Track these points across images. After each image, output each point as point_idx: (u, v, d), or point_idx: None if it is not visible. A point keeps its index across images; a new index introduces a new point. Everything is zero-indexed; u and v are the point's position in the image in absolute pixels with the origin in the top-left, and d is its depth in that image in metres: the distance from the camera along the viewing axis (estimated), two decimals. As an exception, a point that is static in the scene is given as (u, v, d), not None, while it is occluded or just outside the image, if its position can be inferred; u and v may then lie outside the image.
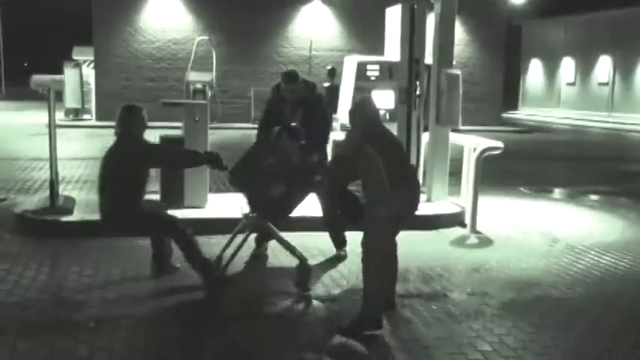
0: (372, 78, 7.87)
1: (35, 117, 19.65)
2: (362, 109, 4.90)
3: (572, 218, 8.52)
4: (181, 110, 7.59)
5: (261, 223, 5.50)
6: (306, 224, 6.67)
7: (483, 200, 7.59)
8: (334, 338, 4.38)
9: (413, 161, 7.77)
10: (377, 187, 4.55)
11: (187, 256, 5.33)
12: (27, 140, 15.73)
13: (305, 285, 5.30)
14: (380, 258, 4.51)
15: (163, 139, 7.32)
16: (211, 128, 7.79)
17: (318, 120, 5.91)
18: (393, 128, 7.86)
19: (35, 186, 9.59)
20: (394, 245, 4.84)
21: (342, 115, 7.99)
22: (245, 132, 18.84)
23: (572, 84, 34.87)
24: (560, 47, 35.22)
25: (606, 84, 32.44)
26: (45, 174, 9.54)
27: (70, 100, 20.57)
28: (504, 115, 29.01)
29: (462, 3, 8.49)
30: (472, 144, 7.63)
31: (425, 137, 8.20)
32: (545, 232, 7.57)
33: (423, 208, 7.80)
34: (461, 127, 8.19)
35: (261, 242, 6.13)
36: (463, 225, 7.50)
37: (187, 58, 19.97)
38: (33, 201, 7.78)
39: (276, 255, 6.09)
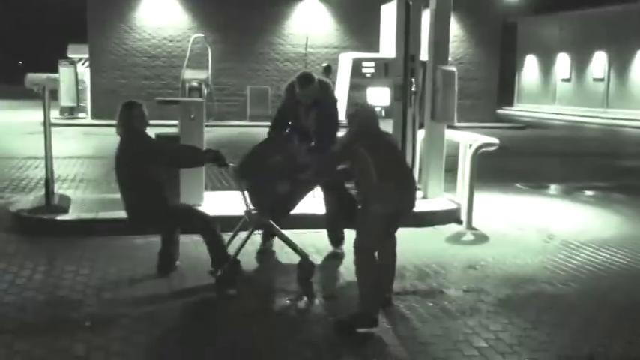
0: (368, 75, 7.87)
1: (30, 115, 19.62)
2: (361, 113, 4.94)
3: (567, 214, 8.54)
4: (177, 108, 7.58)
5: (263, 220, 5.50)
6: (303, 221, 6.68)
7: (479, 197, 7.61)
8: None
9: (409, 158, 7.78)
10: (369, 187, 4.56)
11: (212, 250, 5.33)
12: (22, 139, 15.70)
13: (307, 282, 5.30)
14: (370, 259, 4.53)
15: (159, 137, 7.30)
16: (207, 126, 7.78)
17: (330, 124, 5.91)
18: (389, 125, 7.89)
19: (31, 185, 9.58)
20: (392, 244, 4.86)
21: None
22: (241, 130, 18.86)
23: (568, 80, 34.95)
24: (556, 43, 35.29)
25: (601, 80, 32.52)
26: (40, 173, 9.54)
27: (66, 99, 20.52)
28: (500, 111, 29.06)
29: (457, 0, 8.50)
30: (468, 140, 7.64)
31: (420, 134, 8.21)
32: (540, 228, 7.58)
33: (419, 205, 7.82)
34: (456, 124, 8.20)
35: (267, 238, 6.14)
36: (459, 222, 7.52)
37: (183, 55, 19.88)
38: (28, 200, 7.77)
39: (285, 249, 6.08)
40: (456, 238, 7.10)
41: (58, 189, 8.25)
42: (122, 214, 6.98)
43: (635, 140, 21.49)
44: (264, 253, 6.15)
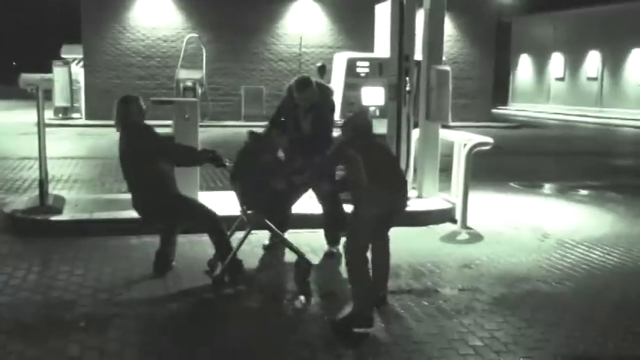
0: (362, 75, 7.86)
1: (24, 116, 19.58)
2: (356, 117, 4.97)
3: (562, 213, 8.56)
4: (171, 108, 7.57)
5: (259, 220, 5.50)
6: (299, 222, 6.68)
7: (474, 196, 7.62)
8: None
9: (403, 157, 7.78)
10: (361, 188, 4.57)
11: (219, 249, 5.34)
12: (16, 139, 15.65)
13: (304, 281, 5.31)
14: (362, 259, 4.53)
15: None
16: (202, 126, 7.78)
17: (326, 128, 5.95)
18: (383, 125, 7.90)
19: (24, 185, 9.55)
20: (385, 243, 4.87)
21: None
22: (236, 130, 18.81)
23: (562, 79, 35.05)
24: (550, 43, 35.38)
25: (595, 79, 32.63)
26: (34, 173, 9.50)
27: (60, 99, 20.46)
28: (494, 110, 29.11)
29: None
30: (462, 140, 7.65)
31: (415, 133, 8.21)
32: (535, 227, 7.60)
33: (414, 205, 7.85)
34: (451, 123, 8.21)
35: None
36: (454, 221, 7.52)
37: (177, 55, 19.81)
38: (22, 200, 7.75)
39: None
40: (450, 238, 7.11)
41: (53, 189, 8.23)
42: (117, 214, 7.05)
43: (629, 139, 21.56)
44: (271, 248, 6.17)
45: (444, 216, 7.65)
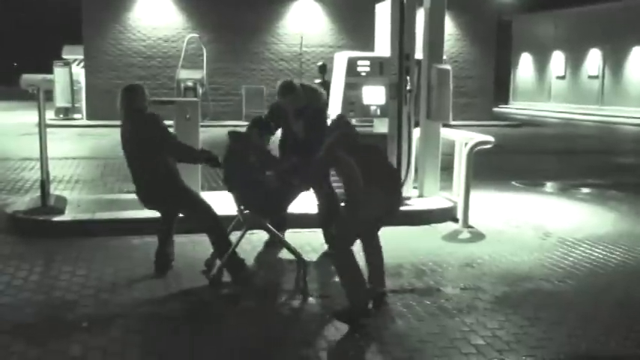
0: (363, 74, 7.86)
1: (25, 117, 19.57)
2: (338, 121, 4.99)
3: (563, 211, 8.56)
4: (172, 108, 7.57)
5: (256, 220, 5.50)
6: (299, 221, 6.69)
7: (475, 195, 7.62)
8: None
9: (404, 156, 7.78)
10: (356, 191, 4.57)
11: (217, 249, 5.35)
12: (17, 140, 15.66)
13: (302, 281, 5.31)
14: (350, 257, 4.55)
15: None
16: (203, 126, 7.78)
17: (319, 130, 5.84)
18: (384, 124, 7.90)
19: (26, 186, 9.56)
20: (377, 242, 4.89)
21: (333, 111, 7.99)
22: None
23: (563, 77, 35.02)
24: (550, 41, 35.36)
25: (596, 77, 32.59)
26: (36, 174, 9.50)
27: (60, 100, 20.47)
28: (495, 109, 29.08)
29: (451, -2, 8.51)
30: (463, 139, 7.64)
31: (416, 132, 8.21)
32: (537, 225, 7.60)
33: (415, 204, 7.85)
34: (452, 122, 8.21)
35: (278, 230, 6.15)
36: (455, 220, 7.52)
37: (178, 55, 19.89)
38: (24, 201, 7.75)
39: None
40: (452, 236, 7.11)
41: (54, 190, 8.23)
42: (119, 214, 7.07)
43: (630, 137, 21.54)
44: (271, 245, 6.17)
45: (446, 215, 7.65)
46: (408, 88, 7.78)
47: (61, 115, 21.12)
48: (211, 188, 8.87)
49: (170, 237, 5.67)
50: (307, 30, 23.22)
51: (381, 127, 8.07)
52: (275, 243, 6.18)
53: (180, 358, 4.08)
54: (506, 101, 38.04)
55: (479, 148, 7.33)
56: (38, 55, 38.51)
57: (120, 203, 7.48)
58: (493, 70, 25.45)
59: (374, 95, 7.84)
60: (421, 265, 5.95)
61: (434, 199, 8.03)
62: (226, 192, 5.57)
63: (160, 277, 5.46)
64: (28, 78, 7.04)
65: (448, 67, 7.96)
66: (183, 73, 19.02)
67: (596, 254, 6.44)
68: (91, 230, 6.74)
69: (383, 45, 8.06)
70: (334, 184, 6.06)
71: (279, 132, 6.31)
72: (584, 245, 6.74)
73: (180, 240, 5.82)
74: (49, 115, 18.58)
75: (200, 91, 18.66)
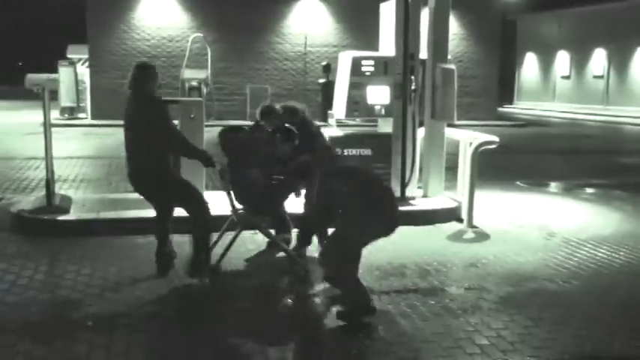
0: (367, 73, 7.85)
1: (30, 116, 19.59)
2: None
3: (568, 211, 8.54)
4: (177, 108, 7.58)
5: (250, 220, 5.51)
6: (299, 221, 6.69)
7: (480, 195, 7.61)
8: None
9: (409, 156, 7.78)
10: (356, 214, 4.51)
11: (195, 246, 5.33)
12: (22, 139, 15.69)
13: (298, 281, 5.31)
14: (352, 275, 4.56)
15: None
16: (207, 126, 7.79)
17: (306, 145, 5.64)
18: (389, 123, 7.90)
19: (31, 185, 9.58)
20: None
21: (338, 110, 7.99)
22: (241, 129, 18.86)
23: (567, 77, 34.92)
24: (555, 41, 35.26)
25: (601, 77, 32.49)
26: (41, 173, 9.54)
27: (65, 99, 20.48)
28: (500, 109, 29.03)
29: (456, -2, 8.50)
30: (468, 138, 7.64)
31: (421, 132, 8.21)
32: (541, 225, 7.59)
33: (420, 204, 7.85)
34: (457, 122, 8.20)
35: (280, 230, 6.17)
36: (460, 220, 7.52)
37: (182, 55, 19.95)
38: (29, 200, 7.77)
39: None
40: (457, 236, 7.10)
41: (59, 189, 8.25)
42: (123, 214, 7.08)
43: (636, 137, 21.47)
44: (273, 246, 6.18)
45: (450, 215, 7.65)
46: (412, 87, 7.78)
47: (66, 115, 21.15)
48: (215, 188, 8.87)
49: (167, 237, 5.64)
50: (312, 30, 23.21)
51: (386, 126, 8.07)
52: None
53: (183, 356, 4.09)
54: (510, 101, 37.95)
55: (483, 147, 7.32)
56: (39, 55, 38.59)
57: (124, 203, 7.50)
58: (497, 69, 25.39)
59: (378, 95, 7.84)
60: (425, 265, 5.95)
61: (438, 198, 8.03)
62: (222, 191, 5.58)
63: (162, 277, 5.47)
64: (33, 77, 7.05)
65: (453, 66, 7.96)
66: (188, 73, 19.05)
67: (601, 254, 6.43)
68: (95, 229, 6.76)
69: (387, 45, 8.06)
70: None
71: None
72: (589, 245, 6.73)
73: (181, 240, 5.82)
74: (54, 114, 18.58)
75: (204, 90, 18.69)
